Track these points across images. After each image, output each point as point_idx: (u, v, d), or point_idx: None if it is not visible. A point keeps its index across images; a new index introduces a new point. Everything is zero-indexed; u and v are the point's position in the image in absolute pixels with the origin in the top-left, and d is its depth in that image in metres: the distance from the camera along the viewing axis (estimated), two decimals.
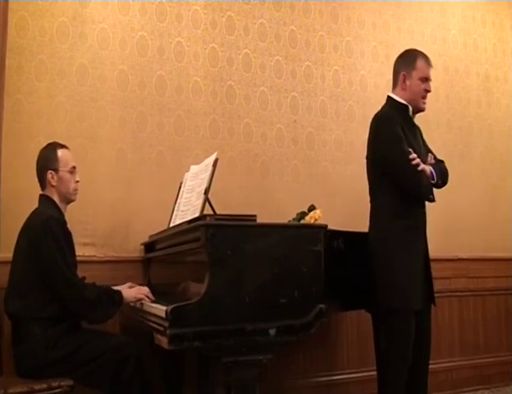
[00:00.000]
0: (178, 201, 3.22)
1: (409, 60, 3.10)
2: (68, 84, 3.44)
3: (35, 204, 2.86)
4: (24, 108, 3.32)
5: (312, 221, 3.25)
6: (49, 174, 2.86)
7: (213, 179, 2.73)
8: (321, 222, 3.14)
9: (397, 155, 2.92)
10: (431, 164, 3.02)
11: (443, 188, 3.13)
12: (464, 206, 4.73)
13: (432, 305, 3.07)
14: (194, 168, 3.13)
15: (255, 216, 2.48)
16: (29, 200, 2.91)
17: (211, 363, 3.18)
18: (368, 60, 4.49)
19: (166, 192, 3.51)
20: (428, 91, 3.08)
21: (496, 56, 5.17)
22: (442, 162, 3.16)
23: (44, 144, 2.97)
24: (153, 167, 3.64)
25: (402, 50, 3.25)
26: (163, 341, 2.25)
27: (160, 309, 2.35)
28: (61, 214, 2.88)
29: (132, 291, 2.84)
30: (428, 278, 3.02)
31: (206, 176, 2.78)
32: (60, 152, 2.89)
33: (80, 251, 3.23)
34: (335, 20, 4.38)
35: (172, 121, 3.72)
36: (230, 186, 3.76)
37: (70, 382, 2.55)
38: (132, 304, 2.83)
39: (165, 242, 3.09)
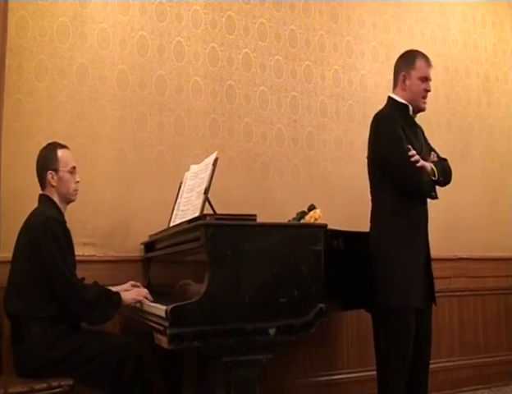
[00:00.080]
0: (178, 201, 3.22)
1: (408, 60, 3.12)
2: (68, 84, 3.45)
3: (35, 204, 2.86)
4: (24, 108, 3.32)
5: (312, 220, 3.25)
6: (49, 174, 2.86)
7: (213, 178, 2.73)
8: (321, 221, 3.15)
9: (397, 153, 2.92)
10: (432, 162, 3.02)
11: (446, 187, 3.13)
12: (464, 206, 4.73)
13: (433, 304, 3.08)
14: (194, 168, 3.13)
15: (255, 215, 2.48)
16: (29, 200, 2.91)
17: (211, 362, 3.18)
18: (368, 60, 4.49)
19: (166, 192, 3.51)
20: (428, 91, 3.09)
21: (496, 56, 5.17)
22: (445, 160, 3.17)
23: (44, 144, 2.97)
24: (153, 167, 3.64)
25: (402, 50, 3.26)
26: (163, 341, 2.25)
27: (160, 309, 2.35)
28: (61, 214, 2.88)
29: (131, 293, 2.84)
30: (429, 276, 3.02)
31: (206, 175, 2.78)
32: (60, 152, 2.89)
33: (80, 251, 3.23)
34: (335, 19, 4.38)
35: (172, 121, 3.72)
36: (230, 186, 3.76)
37: (70, 382, 2.55)
38: (131, 305, 2.83)
39: (165, 242, 3.09)
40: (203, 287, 2.29)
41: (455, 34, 4.96)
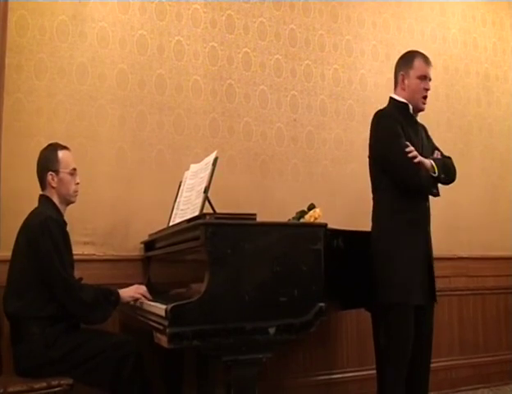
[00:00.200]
0: (178, 200, 3.21)
1: (407, 60, 3.15)
2: (68, 83, 3.44)
3: (35, 204, 2.86)
4: (24, 107, 3.32)
5: (311, 219, 3.25)
6: (49, 175, 2.85)
7: (213, 178, 2.73)
8: (320, 220, 3.15)
9: (394, 150, 2.94)
10: (433, 159, 3.02)
11: (446, 186, 3.13)
12: (464, 205, 4.73)
13: (435, 303, 3.07)
14: (193, 167, 3.13)
15: (255, 215, 2.48)
16: (28, 200, 2.91)
17: (210, 361, 3.18)
18: (368, 59, 4.49)
19: (165, 191, 3.51)
20: (427, 89, 3.09)
21: (495, 55, 5.17)
22: (449, 158, 3.17)
23: (44, 144, 2.97)
24: (152, 166, 3.64)
25: (402, 49, 3.27)
26: (163, 340, 2.25)
27: (160, 308, 2.35)
28: (61, 215, 2.88)
29: (129, 291, 2.84)
30: (430, 274, 3.02)
31: (206, 174, 2.78)
32: (61, 153, 2.88)
33: (80, 250, 3.23)
34: (334, 19, 4.38)
35: (172, 120, 3.72)
36: (230, 185, 3.76)
37: (70, 381, 2.55)
38: (132, 303, 2.83)
39: (165, 241, 3.09)
40: (202, 286, 2.29)
41: (455, 33, 4.96)
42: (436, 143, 3.28)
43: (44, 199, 2.87)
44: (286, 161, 4.08)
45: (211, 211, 2.71)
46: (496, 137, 5.06)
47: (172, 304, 2.22)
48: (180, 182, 3.29)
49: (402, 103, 3.11)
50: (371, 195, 3.17)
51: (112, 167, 3.52)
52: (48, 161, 2.87)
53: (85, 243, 3.36)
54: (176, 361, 3.32)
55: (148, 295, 2.82)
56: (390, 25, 4.62)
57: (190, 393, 3.34)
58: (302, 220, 3.33)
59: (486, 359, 4.65)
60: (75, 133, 3.42)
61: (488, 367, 4.62)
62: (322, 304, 2.49)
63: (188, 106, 3.78)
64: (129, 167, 3.57)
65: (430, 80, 3.12)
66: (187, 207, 2.94)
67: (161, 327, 2.29)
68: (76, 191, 2.94)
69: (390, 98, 3.18)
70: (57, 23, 3.44)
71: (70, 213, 2.97)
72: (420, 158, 2.91)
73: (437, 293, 3.06)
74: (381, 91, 4.38)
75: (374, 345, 3.20)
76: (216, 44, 3.91)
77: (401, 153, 2.90)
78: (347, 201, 4.15)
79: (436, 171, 2.97)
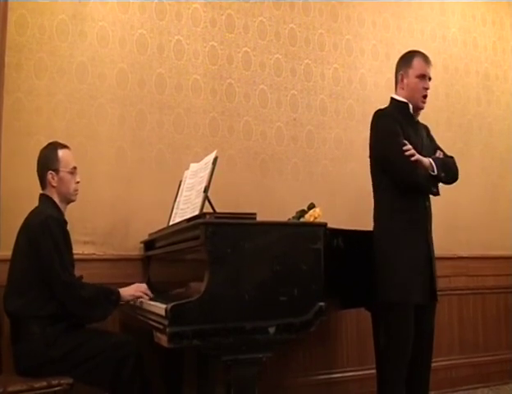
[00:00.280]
0: (178, 199, 3.21)
1: (406, 60, 3.16)
2: (68, 82, 3.44)
3: (35, 203, 2.86)
4: (23, 106, 3.32)
5: (311, 219, 3.25)
6: (50, 174, 2.85)
7: (213, 177, 2.72)
8: (320, 220, 3.15)
9: (392, 148, 2.95)
10: (433, 158, 3.02)
11: (446, 185, 3.13)
12: (464, 204, 4.73)
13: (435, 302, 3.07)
14: (193, 166, 3.13)
15: (255, 214, 2.48)
16: (29, 199, 2.91)
17: (210, 361, 3.18)
18: (368, 58, 4.48)
19: (165, 190, 3.50)
20: (426, 88, 3.10)
21: (495, 54, 5.16)
22: (451, 157, 3.17)
23: (44, 143, 2.97)
24: (152, 166, 3.64)
25: (402, 48, 3.28)
26: (163, 340, 2.25)
27: (160, 307, 2.35)
28: (61, 214, 2.88)
29: (130, 289, 2.84)
30: (431, 273, 3.01)
31: (205, 174, 2.77)
32: (61, 152, 2.88)
33: (80, 249, 3.23)
34: (334, 18, 4.38)
35: (172, 119, 3.72)
36: (230, 184, 3.76)
37: (70, 381, 2.55)
38: (132, 302, 2.83)
39: (164, 240, 3.09)
40: (202, 286, 2.29)
41: (455, 33, 4.96)
42: (436, 142, 3.28)
43: (45, 198, 2.87)
44: (286, 160, 4.08)
45: (211, 210, 2.71)
46: (495, 136, 5.06)
47: (172, 304, 2.22)
48: (180, 181, 3.29)
49: (402, 102, 3.12)
50: (371, 195, 3.17)
51: (111, 166, 3.52)
52: (48, 160, 2.87)
53: (85, 242, 3.36)
54: (176, 361, 3.32)
55: (149, 293, 2.82)
56: (390, 24, 4.62)
57: (190, 393, 3.34)
58: (302, 219, 3.33)
59: (486, 358, 4.65)
60: (75, 132, 3.42)
61: (488, 366, 4.62)
62: (321, 304, 2.49)
63: (188, 105, 3.77)
64: (129, 167, 3.56)
65: (430, 79, 3.13)
66: (187, 206, 2.94)
67: (161, 327, 2.29)
68: (77, 190, 2.94)
69: (391, 98, 3.19)
70: (57, 22, 3.44)
71: (70, 213, 2.97)
72: (418, 156, 2.92)
73: (438, 292, 3.06)
74: (380, 90, 4.38)
75: (374, 344, 3.20)
76: (216, 44, 3.91)
77: (399, 151, 2.91)
78: (347, 200, 4.15)
79: (435, 169, 2.97)
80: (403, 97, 3.12)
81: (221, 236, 2.34)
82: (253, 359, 2.37)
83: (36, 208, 2.84)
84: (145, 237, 3.46)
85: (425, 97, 3.10)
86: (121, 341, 2.71)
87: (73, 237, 2.88)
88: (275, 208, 3.70)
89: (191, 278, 2.62)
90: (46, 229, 2.67)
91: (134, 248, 3.52)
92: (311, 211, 3.34)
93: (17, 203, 3.08)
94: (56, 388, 2.50)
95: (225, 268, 2.33)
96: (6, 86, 3.25)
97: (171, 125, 3.71)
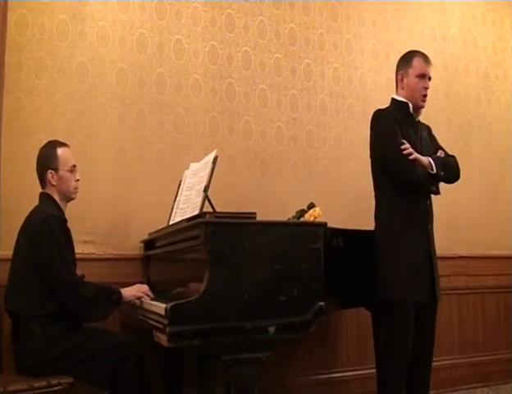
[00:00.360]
0: (177, 199, 3.21)
1: (406, 60, 3.17)
2: (68, 81, 3.44)
3: (35, 202, 2.86)
4: (23, 106, 3.32)
5: (311, 218, 3.25)
6: (49, 174, 2.85)
7: (213, 176, 2.72)
8: (320, 219, 3.15)
9: (391, 148, 2.96)
10: (432, 157, 3.02)
11: (446, 185, 3.13)
12: (464, 204, 4.73)
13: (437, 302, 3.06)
14: (193, 166, 3.13)
15: (255, 213, 2.48)
16: (29, 198, 2.91)
17: (210, 361, 3.17)
18: (368, 58, 4.48)
19: (165, 190, 3.50)
20: (426, 88, 3.10)
21: (495, 54, 5.16)
22: (453, 157, 3.17)
23: (44, 142, 2.96)
24: (152, 165, 3.64)
25: (402, 48, 3.28)
26: (163, 339, 2.25)
27: (159, 307, 2.35)
28: (62, 212, 2.88)
29: (131, 290, 2.84)
30: (432, 272, 3.00)
31: (205, 173, 2.77)
32: (60, 151, 2.88)
33: (80, 249, 3.23)
34: (334, 17, 4.38)
35: (172, 119, 3.72)
36: (230, 184, 3.76)
37: (70, 380, 2.55)
38: (132, 301, 2.83)
39: (164, 240, 3.09)
40: (202, 285, 2.29)
41: (455, 32, 4.96)
42: (438, 142, 3.28)
43: (45, 197, 2.87)
44: (286, 160, 4.08)
45: (211, 210, 2.71)
46: (495, 136, 5.06)
47: (172, 303, 2.22)
48: (180, 181, 3.29)
49: (402, 102, 3.12)
50: (371, 194, 3.18)
51: (111, 165, 3.52)
52: (47, 159, 2.87)
53: (85, 242, 3.36)
54: (176, 360, 3.32)
55: (150, 294, 2.82)
56: (390, 23, 4.62)
57: (190, 392, 3.34)
58: (302, 219, 3.33)
59: (485, 358, 4.65)
60: (75, 132, 3.42)
61: (488, 366, 4.62)
62: (321, 303, 2.49)
63: (188, 105, 3.77)
64: (128, 166, 3.56)
65: (430, 79, 3.13)
66: (187, 206, 2.94)
67: (161, 326, 2.29)
68: (76, 188, 2.94)
69: (391, 98, 3.20)
70: (57, 22, 3.43)
71: (69, 212, 2.97)
72: (416, 155, 2.92)
73: (439, 292, 3.05)
74: (380, 90, 4.38)
75: (374, 344, 3.20)
76: (216, 43, 3.91)
77: (397, 151, 2.92)
78: (347, 200, 4.15)
79: (435, 168, 2.97)
80: (403, 97, 3.13)
81: (221, 236, 2.34)
82: (253, 359, 2.37)
83: (36, 206, 2.84)
84: (145, 237, 3.46)
85: (425, 96, 3.10)
86: (122, 341, 2.71)
87: (73, 237, 2.88)
88: (275, 208, 3.70)
89: (191, 278, 2.62)
90: (46, 228, 2.67)
91: (134, 247, 3.52)
92: (311, 210, 3.34)
93: (17, 203, 3.08)
94: (55, 388, 2.50)
95: (225, 267, 2.33)
96: (6, 86, 3.25)
97: (171, 124, 3.71)
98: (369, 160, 3.17)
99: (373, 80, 4.47)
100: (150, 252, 3.43)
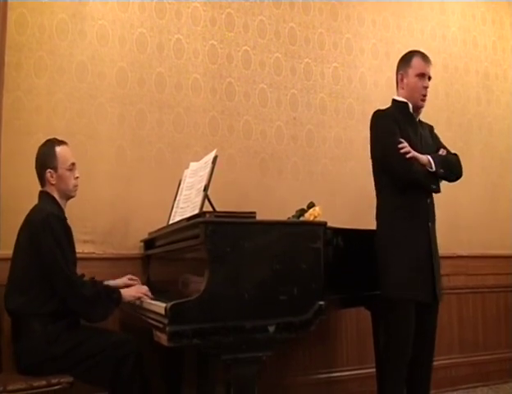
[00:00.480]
0: (177, 198, 3.21)
1: (406, 60, 3.17)
2: (67, 81, 3.44)
3: (35, 201, 2.86)
4: (23, 105, 3.32)
5: (311, 218, 3.25)
6: (48, 173, 2.84)
7: (213, 176, 2.72)
8: (320, 219, 3.15)
9: (389, 148, 2.97)
10: (431, 155, 3.02)
11: (446, 185, 3.12)
12: (464, 204, 4.73)
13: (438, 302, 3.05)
14: (193, 165, 3.13)
15: (255, 213, 2.48)
16: (28, 197, 2.91)
17: (210, 360, 3.18)
18: (368, 57, 4.48)
19: (165, 189, 3.50)
20: (426, 87, 3.10)
21: (495, 54, 5.16)
22: (455, 154, 3.17)
23: (44, 141, 2.96)
24: (152, 164, 3.64)
25: (401, 47, 3.28)
26: (163, 338, 2.25)
27: (159, 306, 2.35)
28: (61, 211, 2.88)
29: (131, 290, 2.84)
30: (433, 271, 2.98)
31: (205, 173, 2.77)
32: (58, 149, 2.87)
33: (80, 248, 3.22)
34: (334, 17, 4.38)
35: (172, 118, 3.72)
36: (230, 183, 3.76)
37: (70, 379, 2.55)
38: (132, 301, 2.83)
39: (164, 239, 3.09)
40: (202, 285, 2.29)
41: (455, 32, 4.96)
42: (440, 141, 3.28)
43: (45, 195, 2.86)
44: (286, 159, 4.08)
45: (210, 209, 2.71)
46: (495, 136, 5.06)
47: (172, 303, 2.22)
48: (180, 180, 3.29)
49: (402, 102, 3.13)
50: (371, 193, 3.18)
51: (111, 165, 3.52)
52: (45, 158, 2.86)
53: (85, 241, 3.36)
54: (176, 360, 3.32)
55: (149, 295, 2.82)
56: (390, 23, 4.62)
57: (190, 392, 3.34)
58: (302, 218, 3.33)
59: (485, 357, 4.65)
60: (75, 131, 3.42)
61: (488, 365, 4.63)
62: (321, 303, 2.49)
63: (187, 104, 3.77)
64: (128, 166, 3.56)
65: (430, 78, 3.12)
66: (187, 205, 2.94)
67: (161, 326, 2.29)
68: (76, 186, 2.93)
69: (392, 99, 3.20)
70: (57, 21, 3.43)
71: (69, 211, 2.96)
72: (414, 153, 2.93)
73: (441, 292, 3.04)
74: (380, 89, 4.38)
75: (374, 343, 3.21)
76: (215, 42, 3.91)
77: (395, 149, 2.92)
78: (347, 199, 4.15)
79: (434, 166, 2.97)
80: (403, 97, 3.13)
81: (220, 235, 2.34)
82: (253, 358, 2.37)
83: (36, 205, 2.83)
84: (145, 236, 3.46)
85: (424, 96, 3.10)
86: (121, 340, 2.71)
87: (73, 236, 2.88)
88: (275, 207, 3.70)
89: (191, 277, 2.62)
90: (47, 226, 2.67)
91: (133, 247, 3.52)
92: (311, 210, 3.34)
93: (17, 202, 3.08)
94: (55, 387, 2.50)
95: (224, 266, 2.33)
96: (6, 85, 3.25)
97: (170, 124, 3.71)
98: (369, 159, 3.17)
99: (373, 80, 4.47)
100: (150, 251, 3.43)
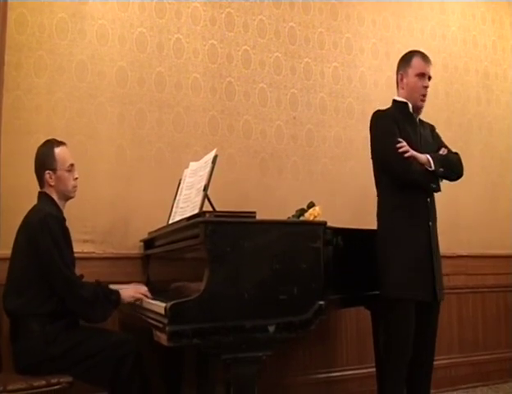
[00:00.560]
0: (177, 198, 3.21)
1: (406, 60, 3.18)
2: (67, 80, 3.44)
3: (34, 201, 2.86)
4: (23, 105, 3.31)
5: (311, 217, 3.25)
6: (47, 174, 2.84)
7: (213, 176, 2.72)
8: (320, 218, 3.15)
9: (387, 147, 2.98)
10: (431, 154, 3.02)
11: (446, 185, 3.12)
12: (464, 203, 4.73)
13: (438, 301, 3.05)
14: (193, 165, 3.13)
15: (254, 213, 2.48)
16: (28, 197, 2.91)
17: (210, 360, 3.17)
18: (368, 57, 4.48)
19: (165, 189, 3.50)
20: (426, 87, 3.10)
21: (495, 53, 5.16)
22: (456, 153, 3.17)
23: (43, 141, 2.96)
24: (152, 164, 3.63)
25: (401, 47, 3.28)
26: (162, 338, 2.24)
27: (159, 306, 2.35)
28: (60, 211, 2.87)
29: (130, 290, 2.84)
30: (433, 270, 2.97)
31: (205, 172, 2.77)
32: (57, 150, 2.86)
33: (80, 248, 3.23)
34: (334, 16, 4.37)
35: (171, 118, 3.71)
36: (230, 183, 3.76)
37: (70, 379, 2.54)
38: (131, 302, 2.83)
39: (164, 239, 3.09)
40: (202, 284, 2.29)
41: (455, 32, 4.96)
42: (442, 140, 3.28)
43: (43, 196, 2.86)
44: (286, 159, 4.08)
45: (210, 209, 2.71)
46: (495, 135, 5.06)
47: (172, 302, 2.21)
48: (180, 180, 3.29)
49: (402, 102, 3.14)
50: (371, 193, 3.18)
51: (111, 164, 3.52)
52: (44, 159, 2.85)
53: (85, 241, 3.36)
54: (176, 359, 3.32)
55: (149, 295, 2.81)
56: (390, 23, 4.62)
57: (190, 392, 3.34)
58: (301, 218, 3.33)
59: (485, 357, 4.65)
60: (75, 130, 3.42)
61: (487, 365, 4.63)
62: (321, 303, 2.49)
63: (187, 104, 3.77)
64: (128, 165, 3.56)
65: (430, 78, 3.13)
66: (187, 205, 2.94)
67: (160, 325, 2.29)
68: (75, 186, 2.93)
69: (392, 100, 3.20)
70: (57, 21, 3.43)
71: (69, 211, 2.96)
72: (412, 152, 2.93)
73: (443, 291, 3.04)
74: (380, 89, 4.38)
75: (374, 343, 3.20)
76: (215, 42, 3.90)
77: (393, 149, 2.93)
78: (347, 199, 4.15)
79: (433, 165, 2.97)
80: (403, 97, 3.14)
81: (220, 235, 2.34)
82: (253, 358, 2.37)
83: (35, 206, 2.83)
84: (145, 236, 3.46)
85: (424, 96, 3.11)
86: (121, 340, 2.71)
87: (73, 236, 2.88)
88: (274, 207, 3.70)
89: (191, 277, 2.62)
90: (45, 227, 2.66)
91: (133, 246, 3.51)
92: (311, 209, 3.34)
93: (17, 202, 3.08)
94: (55, 387, 2.49)
95: (224, 266, 2.33)
96: (6, 84, 3.25)
97: (170, 123, 3.71)
98: (369, 159, 3.17)
99: (373, 79, 4.47)
100: (150, 251, 3.43)
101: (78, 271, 2.82)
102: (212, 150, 2.86)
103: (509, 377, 4.67)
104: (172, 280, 2.95)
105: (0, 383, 2.42)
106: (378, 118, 3.10)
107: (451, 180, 3.13)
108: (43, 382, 2.48)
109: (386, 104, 3.20)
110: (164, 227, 3.14)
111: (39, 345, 2.59)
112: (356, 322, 4.07)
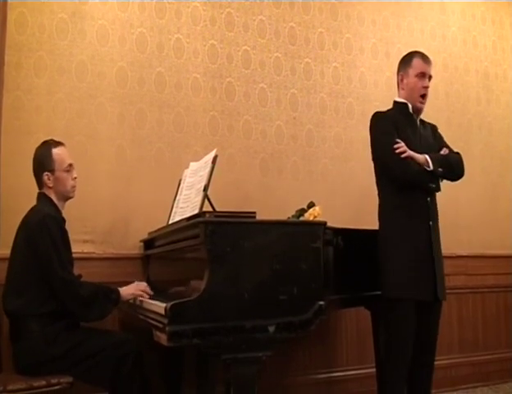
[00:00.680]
0: (177, 198, 3.21)
1: (406, 61, 3.18)
2: (67, 80, 3.44)
3: (34, 201, 2.86)
4: (23, 105, 3.31)
5: (311, 218, 3.25)
6: (45, 176, 2.83)
7: (213, 176, 2.72)
8: (320, 218, 3.15)
9: (385, 148, 2.99)
10: (430, 154, 3.02)
11: (446, 184, 3.12)
12: (464, 203, 4.73)
13: (440, 301, 3.03)
14: (193, 165, 3.13)
15: (254, 213, 2.48)
16: (28, 197, 2.90)
17: (210, 360, 3.18)
18: (368, 57, 4.48)
19: (165, 189, 3.50)
20: (425, 87, 3.10)
21: (495, 53, 5.16)
22: (457, 153, 3.17)
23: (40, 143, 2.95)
24: (152, 164, 3.63)
25: (401, 47, 3.28)
26: (162, 338, 2.24)
27: (159, 306, 2.35)
28: (59, 212, 2.87)
29: (130, 288, 2.84)
30: (434, 270, 2.96)
31: (205, 172, 2.77)
32: (55, 151, 2.85)
33: (79, 248, 3.23)
34: (334, 17, 4.37)
35: (172, 118, 3.71)
36: (230, 183, 3.76)
37: (70, 379, 2.55)
38: (131, 300, 2.83)
39: (164, 239, 3.09)
40: (202, 284, 2.29)
41: (455, 32, 4.96)
42: (444, 140, 3.28)
43: (43, 197, 2.86)
44: (286, 159, 4.08)
45: (210, 209, 2.71)
46: (495, 135, 5.06)
47: (172, 303, 2.21)
48: (180, 180, 3.29)
49: (402, 103, 3.14)
50: (371, 193, 3.18)
51: (111, 164, 3.52)
52: (42, 160, 2.84)
53: (85, 241, 3.36)
54: (176, 359, 3.32)
55: (149, 291, 2.82)
56: (390, 23, 4.62)
57: (190, 392, 3.34)
58: (301, 218, 3.33)
59: (485, 357, 4.65)
60: (75, 131, 3.42)
61: (488, 365, 4.63)
62: (321, 303, 2.49)
63: (187, 104, 3.77)
64: (128, 165, 3.56)
65: (430, 78, 3.13)
66: (187, 205, 2.94)
67: (160, 326, 2.29)
68: (74, 186, 2.92)
69: (393, 101, 3.20)
70: (57, 21, 3.43)
71: (69, 211, 2.96)
72: (409, 152, 2.94)
73: (445, 291, 3.03)
74: (380, 89, 4.38)
75: (374, 343, 3.20)
76: (215, 42, 3.90)
77: (391, 149, 2.94)
78: (347, 199, 4.15)
79: (431, 165, 2.97)
80: (403, 98, 3.14)
81: (220, 235, 2.34)
82: (253, 358, 2.36)
83: (34, 206, 2.83)
84: (145, 236, 3.46)
85: (423, 96, 3.11)
86: (121, 340, 2.71)
87: (73, 236, 2.88)
88: (274, 207, 3.70)
89: (191, 277, 2.62)
90: (44, 227, 2.66)
91: (133, 247, 3.52)
92: (310, 210, 3.34)
93: (16, 202, 3.07)
94: (55, 387, 2.50)
95: (224, 266, 2.33)
96: (6, 85, 3.25)
97: (170, 123, 3.71)
98: (369, 159, 3.17)
99: (373, 79, 4.46)
100: (150, 251, 3.43)
101: (78, 271, 2.83)
102: (212, 150, 2.86)
103: (510, 377, 4.67)
104: (172, 280, 2.95)
105: (0, 383, 2.42)
106: (377, 120, 3.11)
107: (451, 180, 3.13)
108: (43, 383, 2.48)
109: (386, 104, 3.20)
110: (164, 227, 3.14)
111: (39, 345, 2.59)
112: (356, 322, 4.07)
